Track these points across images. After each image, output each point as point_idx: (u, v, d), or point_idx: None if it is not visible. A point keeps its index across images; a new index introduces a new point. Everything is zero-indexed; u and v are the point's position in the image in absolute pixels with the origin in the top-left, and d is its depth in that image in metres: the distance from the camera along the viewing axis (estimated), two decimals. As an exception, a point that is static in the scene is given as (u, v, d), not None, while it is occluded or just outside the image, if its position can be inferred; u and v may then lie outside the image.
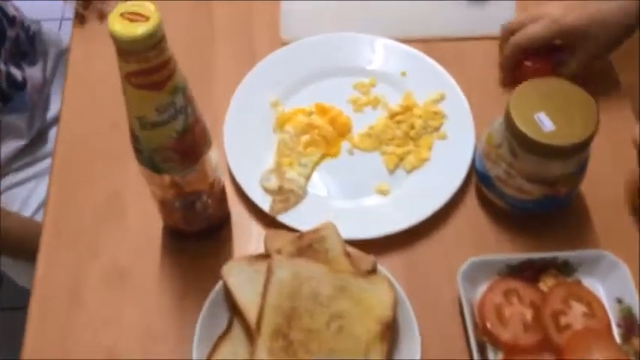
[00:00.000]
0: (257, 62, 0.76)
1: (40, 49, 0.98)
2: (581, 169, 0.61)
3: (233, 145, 0.70)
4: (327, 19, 0.81)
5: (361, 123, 0.72)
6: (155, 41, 0.45)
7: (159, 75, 0.47)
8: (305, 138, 0.71)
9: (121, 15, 0.44)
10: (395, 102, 0.73)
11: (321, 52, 0.77)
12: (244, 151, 0.70)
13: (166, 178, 0.55)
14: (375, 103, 0.74)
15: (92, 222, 0.67)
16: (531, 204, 0.62)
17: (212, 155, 0.57)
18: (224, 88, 0.75)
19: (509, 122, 0.59)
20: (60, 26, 1.66)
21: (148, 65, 0.46)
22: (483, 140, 0.64)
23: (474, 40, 0.79)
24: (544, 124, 0.58)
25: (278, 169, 0.68)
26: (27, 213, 0.93)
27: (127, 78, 0.47)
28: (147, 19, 0.44)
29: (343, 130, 0.72)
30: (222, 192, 0.64)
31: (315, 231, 0.59)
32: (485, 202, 0.67)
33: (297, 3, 0.82)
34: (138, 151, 0.53)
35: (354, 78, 0.75)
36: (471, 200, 0.68)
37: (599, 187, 0.67)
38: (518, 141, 0.58)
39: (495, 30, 0.78)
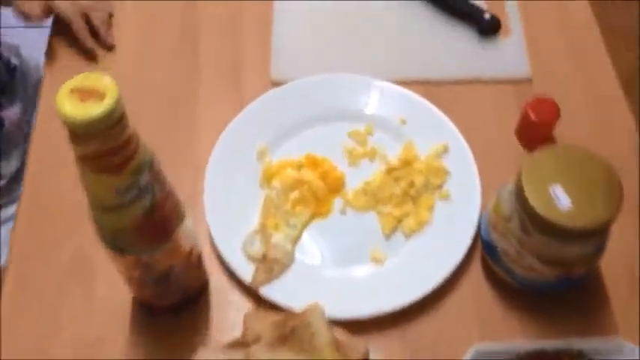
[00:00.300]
0: (245, 105, 0.69)
1: (20, 80, 0.92)
2: (600, 248, 0.55)
3: (214, 202, 0.63)
4: (321, 59, 0.74)
5: (356, 177, 0.66)
6: (113, 122, 0.38)
7: (118, 157, 0.40)
8: (294, 195, 0.64)
9: (72, 92, 0.37)
10: (394, 153, 0.67)
11: (314, 95, 0.70)
12: (226, 209, 0.63)
13: (132, 259, 0.49)
14: (372, 155, 0.67)
15: (55, 289, 0.60)
16: (543, 284, 0.56)
17: (186, 225, 0.51)
18: (208, 134, 0.68)
19: (520, 195, 0.52)
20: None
21: (105, 148, 0.39)
22: (490, 208, 0.58)
23: (483, 83, 0.72)
24: (560, 201, 0.51)
25: (263, 231, 0.62)
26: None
27: (82, 161, 0.40)
28: (102, 96, 0.37)
29: (336, 186, 0.65)
30: (199, 259, 0.57)
31: (300, 315, 0.53)
32: (490, 274, 0.60)
33: (290, 41, 0.75)
34: (98, 229, 0.47)
35: (350, 124, 0.69)
36: (476, 270, 0.61)
37: (618, 261, 0.60)
38: (531, 218, 0.52)
39: (507, 72, 0.72)
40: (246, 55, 0.75)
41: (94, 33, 0.73)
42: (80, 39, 0.73)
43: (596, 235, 0.52)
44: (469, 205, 0.63)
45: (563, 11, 0.79)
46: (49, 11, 0.72)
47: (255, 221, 0.63)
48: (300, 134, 0.68)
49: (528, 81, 0.72)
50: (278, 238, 0.61)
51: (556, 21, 0.78)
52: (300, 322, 0.53)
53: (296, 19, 0.77)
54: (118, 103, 0.38)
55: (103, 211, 0.44)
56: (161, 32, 0.77)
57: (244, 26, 0.77)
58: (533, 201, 0.51)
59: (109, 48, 0.74)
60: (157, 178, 0.44)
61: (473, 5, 0.75)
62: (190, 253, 0.54)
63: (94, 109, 0.37)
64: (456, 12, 0.75)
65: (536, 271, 0.55)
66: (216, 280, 0.61)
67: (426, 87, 0.71)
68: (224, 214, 0.63)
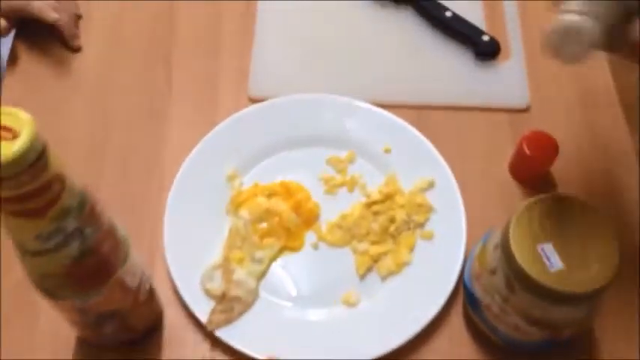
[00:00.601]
0: (218, 123, 0.64)
1: None
2: (593, 310, 0.49)
3: (174, 228, 0.58)
4: (304, 77, 0.68)
5: (332, 208, 0.60)
6: (28, 163, 0.33)
7: (37, 201, 0.35)
8: (262, 226, 0.59)
9: (-19, 128, 0.32)
10: (375, 185, 0.61)
11: (293, 116, 0.64)
12: (187, 237, 0.58)
13: (65, 303, 0.44)
14: (351, 184, 0.61)
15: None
16: (528, 344, 0.51)
17: (131, 263, 0.45)
18: (175, 153, 0.63)
19: (506, 250, 0.46)
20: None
21: (20, 191, 0.34)
22: (475, 256, 0.53)
23: (477, 111, 0.66)
24: (550, 261, 0.45)
25: (225, 265, 0.56)
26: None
27: (-3, 203, 0.35)
28: (15, 135, 0.32)
29: (309, 218, 0.60)
30: (151, 295, 0.52)
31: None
32: (472, 325, 0.55)
33: (272, 55, 0.69)
34: (25, 271, 0.42)
35: (329, 150, 0.63)
36: (457, 320, 0.55)
37: (615, 319, 0.55)
38: (517, 276, 0.46)
39: (503, 100, 0.66)
40: (223, 68, 0.69)
41: (60, 34, 0.68)
42: (66, 36, 0.68)
43: (589, 299, 0.47)
44: (453, 246, 0.57)
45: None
46: (13, 26, 0.66)
47: (217, 253, 0.57)
48: (275, 158, 0.63)
49: (526, 110, 0.66)
50: (241, 274, 0.56)
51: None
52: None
53: (280, 32, 0.71)
54: (35, 142, 0.32)
55: (26, 254, 0.38)
56: (131, 36, 0.71)
57: (223, 36, 0.71)
58: (521, 259, 0.45)
59: (75, 50, 0.68)
60: (90, 220, 0.39)
61: (471, 25, 0.69)
62: (138, 290, 0.48)
63: (5, 149, 0.32)
64: (452, 31, 0.69)
65: (520, 331, 0.49)
66: (173, 315, 0.56)
67: (415, 112, 0.65)
68: (184, 243, 0.57)
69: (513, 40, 0.70)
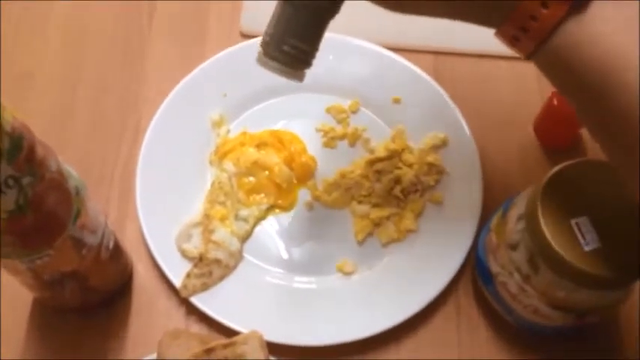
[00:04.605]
0: (205, 60, 0.56)
1: None
2: (624, 295, 0.42)
3: (149, 177, 0.51)
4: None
5: (330, 164, 0.53)
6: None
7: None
8: (250, 180, 0.52)
9: None
10: (380, 139, 0.54)
11: (290, 55, 0.56)
12: (163, 189, 0.51)
13: (10, 262, 0.37)
14: (354, 138, 0.54)
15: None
16: (544, 329, 0.44)
17: (87, 218, 0.38)
18: (156, 91, 0.55)
19: (533, 225, 0.39)
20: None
21: None
22: (492, 225, 0.45)
23: (503, 60, 0.57)
24: (585, 238, 0.38)
25: (205, 223, 0.49)
26: None
27: None
28: None
29: (304, 174, 0.52)
30: (117, 253, 0.45)
31: (231, 343, 0.41)
32: (482, 302, 0.48)
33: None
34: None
35: (330, 97, 0.55)
36: (466, 297, 0.49)
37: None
38: (544, 254, 0.39)
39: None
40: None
41: None
42: None
43: (626, 284, 0.40)
44: (466, 214, 0.50)
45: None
46: None
47: (197, 209, 0.50)
48: (268, 103, 0.55)
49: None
50: (222, 233, 0.49)
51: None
52: (233, 352, 0.41)
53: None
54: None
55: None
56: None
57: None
58: (551, 237, 0.38)
59: None
60: (29, 167, 0.31)
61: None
62: (99, 249, 0.41)
63: None
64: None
65: (539, 314, 0.43)
66: (143, 277, 0.49)
67: (431, 57, 0.57)
68: (159, 196, 0.50)
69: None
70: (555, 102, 0.52)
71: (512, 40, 0.34)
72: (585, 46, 0.31)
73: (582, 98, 0.34)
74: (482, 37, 0.65)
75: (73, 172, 0.37)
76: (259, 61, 0.39)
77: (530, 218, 0.39)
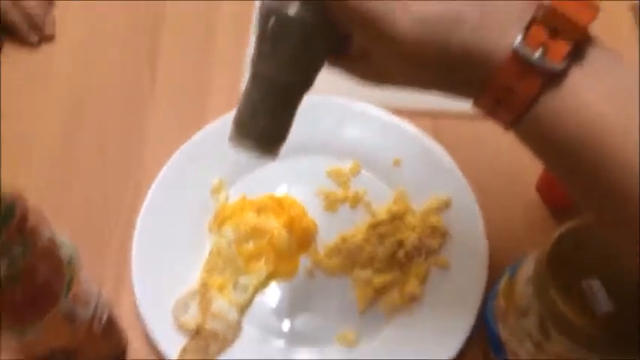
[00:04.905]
0: (205, 124, 0.56)
1: None
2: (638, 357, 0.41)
3: (146, 245, 0.50)
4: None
5: (332, 228, 0.52)
6: None
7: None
8: (249, 247, 0.50)
9: None
10: (382, 202, 0.53)
11: (290, 120, 0.56)
12: (161, 257, 0.50)
13: (-4, 338, 0.35)
14: (355, 201, 0.53)
15: None
16: (563, 401, 0.42)
17: (80, 290, 0.37)
18: (156, 156, 0.55)
19: (542, 288, 0.38)
20: None
21: None
22: (499, 290, 0.44)
23: (501, 121, 0.58)
24: (598, 300, 0.37)
25: (203, 292, 0.48)
26: None
27: None
28: None
29: (304, 239, 0.51)
30: (110, 327, 0.44)
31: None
32: (494, 372, 0.46)
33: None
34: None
35: (331, 160, 0.55)
36: (475, 365, 0.47)
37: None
38: (554, 319, 0.38)
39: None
40: (216, 64, 0.61)
41: (31, 20, 0.60)
42: (20, 31, 0.60)
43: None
44: (473, 278, 0.48)
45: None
46: None
47: (195, 278, 0.49)
48: (267, 168, 0.54)
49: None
50: (221, 304, 0.47)
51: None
52: None
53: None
54: None
55: None
56: (112, 23, 0.63)
57: (217, 28, 0.63)
58: (562, 301, 0.36)
59: (47, 39, 0.61)
60: (20, 237, 0.31)
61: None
62: (91, 323, 0.40)
63: None
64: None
65: (555, 385, 0.41)
66: (139, 351, 0.48)
67: (430, 119, 0.57)
68: (156, 265, 0.49)
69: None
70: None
71: (489, 112, 0.34)
72: (568, 116, 0.30)
73: (565, 169, 0.33)
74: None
75: (65, 239, 0.36)
76: (231, 140, 0.37)
77: (538, 283, 0.38)
